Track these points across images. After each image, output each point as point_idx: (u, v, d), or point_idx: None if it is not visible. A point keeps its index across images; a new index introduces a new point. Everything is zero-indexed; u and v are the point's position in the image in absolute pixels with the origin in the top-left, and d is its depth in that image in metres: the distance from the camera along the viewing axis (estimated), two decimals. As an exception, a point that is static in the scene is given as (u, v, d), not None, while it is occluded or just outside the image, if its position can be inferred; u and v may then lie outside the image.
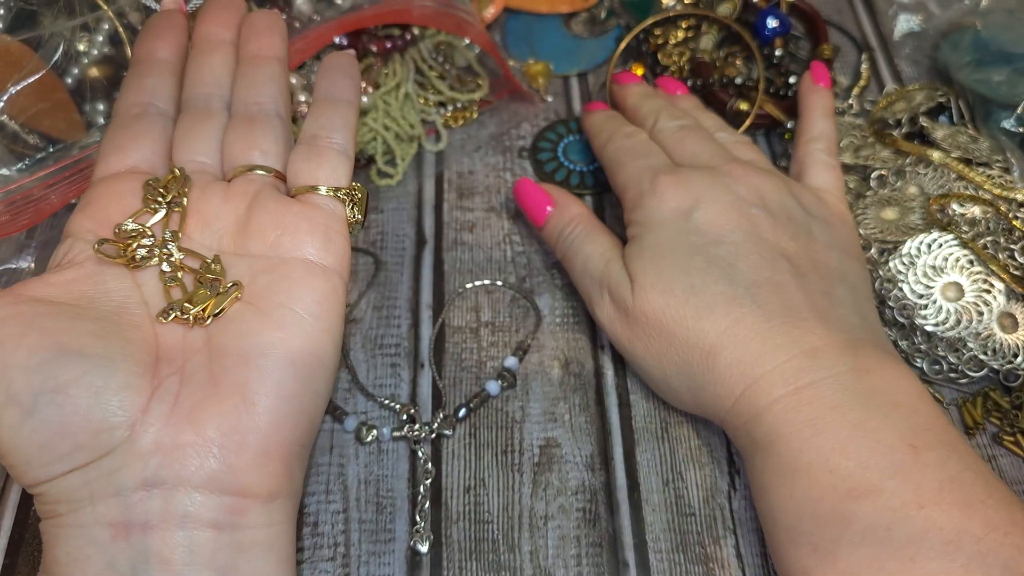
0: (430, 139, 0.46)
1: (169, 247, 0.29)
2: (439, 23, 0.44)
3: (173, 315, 0.27)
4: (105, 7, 0.40)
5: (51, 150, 0.39)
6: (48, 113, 0.39)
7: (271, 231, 0.29)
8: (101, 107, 0.41)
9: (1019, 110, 0.40)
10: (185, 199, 0.30)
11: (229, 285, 0.28)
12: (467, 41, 0.47)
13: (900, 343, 0.38)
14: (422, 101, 0.46)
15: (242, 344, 0.27)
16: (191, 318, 0.27)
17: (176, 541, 0.24)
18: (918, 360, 0.37)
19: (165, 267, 0.29)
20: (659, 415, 0.37)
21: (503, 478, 0.35)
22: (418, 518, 0.34)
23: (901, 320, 0.37)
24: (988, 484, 0.28)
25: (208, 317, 0.27)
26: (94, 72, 0.41)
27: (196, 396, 0.26)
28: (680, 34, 0.49)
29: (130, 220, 0.29)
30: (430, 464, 0.35)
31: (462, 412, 0.37)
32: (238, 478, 0.25)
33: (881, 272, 0.38)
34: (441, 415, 0.37)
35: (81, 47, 0.40)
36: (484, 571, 0.33)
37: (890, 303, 0.38)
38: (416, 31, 0.47)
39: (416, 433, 0.36)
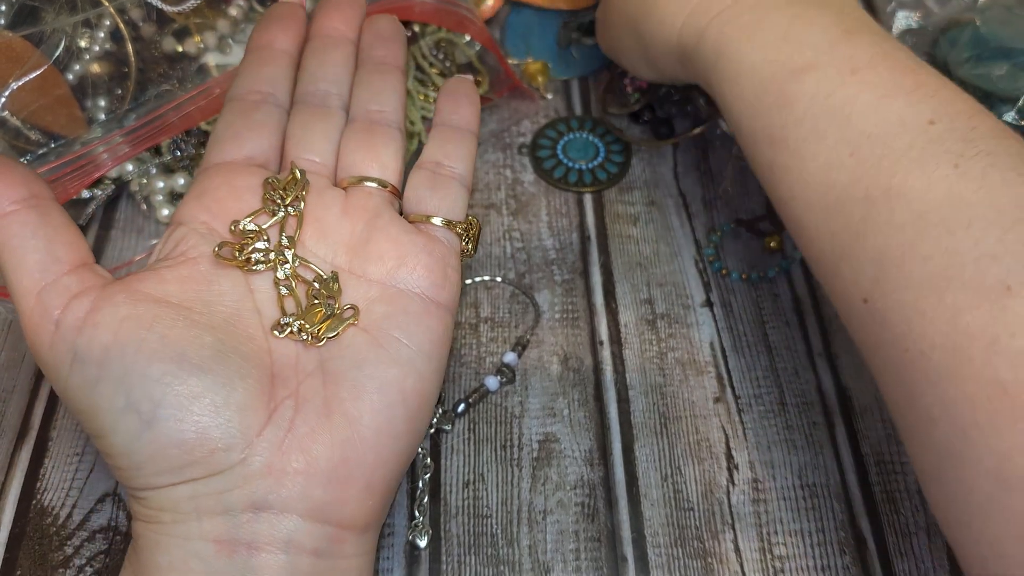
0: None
1: (285, 254, 0.28)
2: (440, 20, 0.44)
3: (288, 331, 0.27)
4: (107, 3, 0.40)
5: (52, 146, 0.39)
6: (49, 109, 0.39)
7: (390, 258, 0.29)
8: (102, 103, 0.41)
9: (1020, 103, 0.40)
10: (303, 203, 0.29)
11: (346, 307, 0.28)
12: (468, 38, 0.48)
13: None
14: (422, 98, 0.46)
15: (358, 376, 0.26)
16: (308, 336, 0.27)
17: (279, 563, 0.24)
18: None
19: (280, 274, 0.28)
20: (658, 410, 0.37)
21: (502, 473, 0.35)
22: (417, 512, 0.34)
23: None
24: (918, 61, 0.30)
25: (323, 339, 0.27)
26: (95, 68, 0.41)
27: (310, 424, 0.25)
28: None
29: (248, 219, 0.28)
30: (429, 459, 0.35)
31: (461, 407, 0.37)
32: (342, 510, 0.25)
33: None
34: (440, 410, 0.37)
35: (83, 43, 0.40)
36: (483, 565, 0.33)
37: None
38: (417, 28, 0.47)
39: (415, 428, 0.36)
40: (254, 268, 0.28)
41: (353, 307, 0.28)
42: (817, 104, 0.29)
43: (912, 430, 0.26)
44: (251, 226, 0.28)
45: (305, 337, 0.27)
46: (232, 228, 0.28)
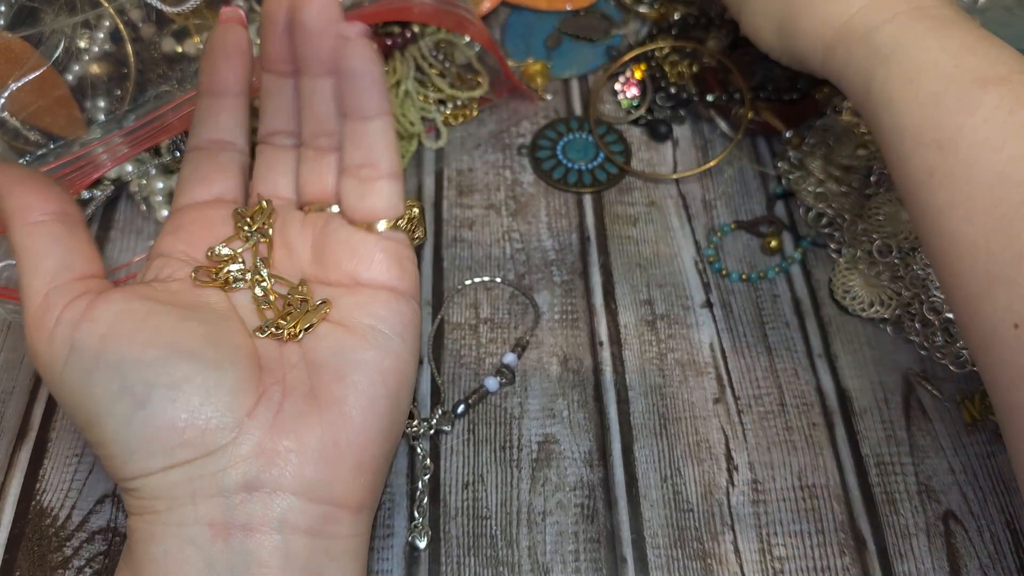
0: (430, 136, 0.46)
1: (262, 273, 0.30)
2: (440, 21, 0.44)
3: (268, 331, 0.29)
4: (106, 4, 0.40)
5: (51, 147, 0.39)
6: (49, 110, 0.39)
7: (348, 260, 0.30)
8: (102, 104, 0.41)
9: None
10: (271, 229, 0.31)
11: (318, 302, 0.29)
12: (467, 39, 0.48)
13: (924, 343, 0.38)
14: (422, 99, 0.46)
15: (338, 361, 0.28)
16: (285, 333, 0.28)
17: (274, 545, 0.25)
18: (940, 355, 0.38)
19: (258, 291, 0.30)
20: (657, 411, 0.37)
21: (501, 474, 0.35)
22: (416, 513, 0.34)
23: (929, 317, 0.37)
24: None
25: (300, 332, 0.29)
26: (95, 69, 0.41)
27: (297, 407, 0.26)
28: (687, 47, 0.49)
29: (223, 245, 0.30)
30: (428, 460, 0.35)
31: (461, 408, 0.37)
32: (334, 488, 0.26)
33: (915, 267, 0.38)
34: (440, 411, 0.37)
35: (82, 44, 0.40)
36: (482, 566, 0.33)
37: (922, 297, 0.38)
38: (416, 29, 0.47)
39: (415, 429, 0.36)
40: (233, 286, 0.30)
41: (325, 301, 0.29)
42: (1003, 115, 0.28)
43: None
44: (226, 250, 0.30)
45: (282, 332, 0.28)
46: (208, 254, 0.30)
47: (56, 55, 0.39)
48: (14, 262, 0.39)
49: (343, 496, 0.26)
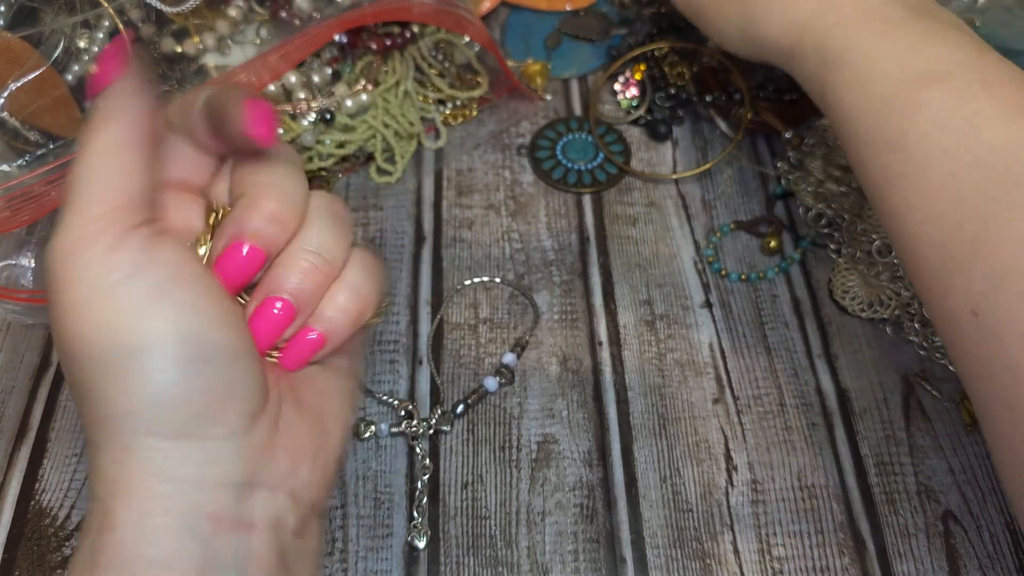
0: (429, 137, 0.46)
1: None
2: (439, 21, 0.44)
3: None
4: (106, 4, 0.40)
5: (51, 147, 0.39)
6: (48, 110, 0.39)
7: None
8: (101, 104, 0.41)
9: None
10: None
11: None
12: (467, 39, 0.48)
13: (924, 343, 0.38)
14: (421, 99, 0.46)
15: (315, 375, 0.28)
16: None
17: (271, 542, 0.25)
18: (939, 355, 0.38)
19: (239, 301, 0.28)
20: (656, 411, 0.37)
21: (501, 474, 0.35)
22: (416, 513, 0.34)
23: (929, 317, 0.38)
24: None
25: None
26: (94, 69, 0.41)
27: (293, 411, 0.27)
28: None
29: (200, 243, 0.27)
30: (428, 460, 0.35)
31: (460, 408, 0.37)
32: (318, 491, 0.27)
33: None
34: (439, 411, 0.37)
35: (81, 44, 0.40)
36: (481, 567, 0.33)
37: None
38: (416, 29, 0.47)
39: (414, 429, 0.36)
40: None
41: None
42: (946, 113, 0.29)
43: (1016, 452, 0.26)
44: (202, 250, 0.27)
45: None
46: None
47: (56, 55, 0.39)
48: (14, 262, 0.39)
49: (320, 499, 0.27)
